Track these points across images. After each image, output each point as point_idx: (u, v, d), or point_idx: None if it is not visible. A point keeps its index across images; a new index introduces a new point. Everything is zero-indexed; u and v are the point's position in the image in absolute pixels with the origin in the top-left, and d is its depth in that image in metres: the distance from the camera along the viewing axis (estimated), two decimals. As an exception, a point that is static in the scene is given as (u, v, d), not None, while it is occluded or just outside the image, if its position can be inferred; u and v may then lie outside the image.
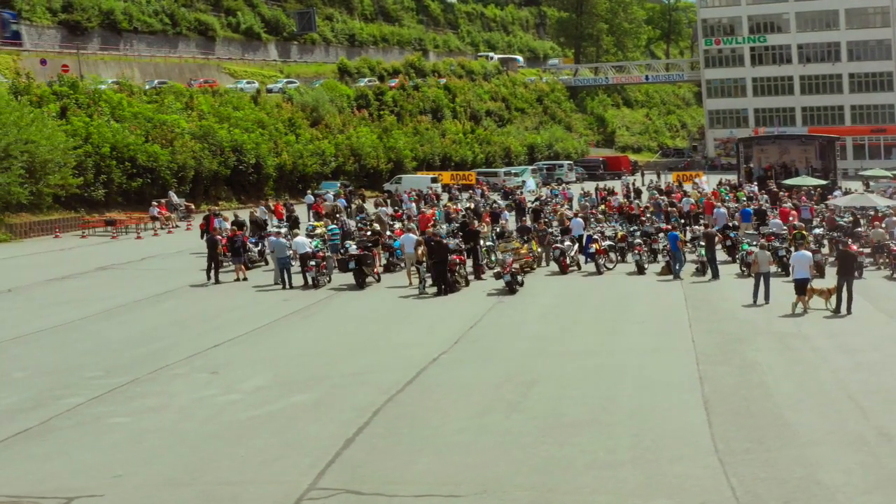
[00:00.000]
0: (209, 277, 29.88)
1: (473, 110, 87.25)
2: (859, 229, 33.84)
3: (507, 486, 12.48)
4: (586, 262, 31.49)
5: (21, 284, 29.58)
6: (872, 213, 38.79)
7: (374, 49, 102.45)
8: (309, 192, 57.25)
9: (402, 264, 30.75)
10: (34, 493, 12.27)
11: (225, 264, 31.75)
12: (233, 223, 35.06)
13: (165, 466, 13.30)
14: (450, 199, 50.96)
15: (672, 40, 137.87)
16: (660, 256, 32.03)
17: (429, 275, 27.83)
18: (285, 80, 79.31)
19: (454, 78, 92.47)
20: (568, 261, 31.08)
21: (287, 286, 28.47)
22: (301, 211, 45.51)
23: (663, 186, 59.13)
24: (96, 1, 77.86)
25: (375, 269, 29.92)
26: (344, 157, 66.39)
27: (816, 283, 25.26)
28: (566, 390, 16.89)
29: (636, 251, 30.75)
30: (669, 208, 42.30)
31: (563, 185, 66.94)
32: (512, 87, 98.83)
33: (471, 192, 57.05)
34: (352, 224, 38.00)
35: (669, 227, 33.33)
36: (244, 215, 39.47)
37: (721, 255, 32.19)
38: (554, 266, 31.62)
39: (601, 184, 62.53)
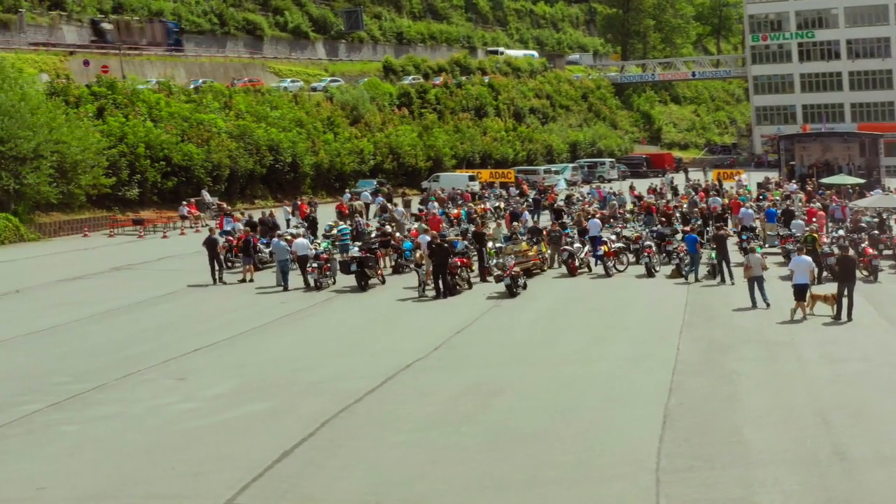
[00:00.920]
0: (213, 279, 29.93)
1: (517, 108, 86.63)
2: (874, 232, 32.60)
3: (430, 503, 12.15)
4: (596, 264, 30.89)
5: (31, 285, 29.91)
6: (897, 214, 37.61)
7: (421, 47, 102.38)
8: (347, 190, 57.45)
9: (411, 266, 30.49)
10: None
11: (232, 265, 31.88)
12: (245, 224, 35.14)
13: (95, 478, 13.15)
14: (474, 199, 50.21)
15: (723, 36, 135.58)
16: (672, 258, 31.18)
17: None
18: (329, 79, 79.59)
19: (499, 75, 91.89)
20: (577, 263, 30.51)
21: (286, 288, 28.34)
22: (329, 210, 45.48)
23: (702, 184, 57.85)
24: (146, 1, 79.07)
25: (380, 271, 29.65)
26: (382, 155, 66.44)
27: (820, 289, 24.43)
28: (527, 402, 16.45)
29: (645, 253, 30.09)
30: (694, 209, 41.40)
31: (599, 184, 65.98)
32: (556, 85, 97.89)
33: (500, 190, 56.49)
34: (374, 224, 37.90)
35: (688, 228, 32.59)
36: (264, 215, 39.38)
37: (738, 257, 31.30)
38: (565, 268, 31.08)
39: (655, 182, 61.13)
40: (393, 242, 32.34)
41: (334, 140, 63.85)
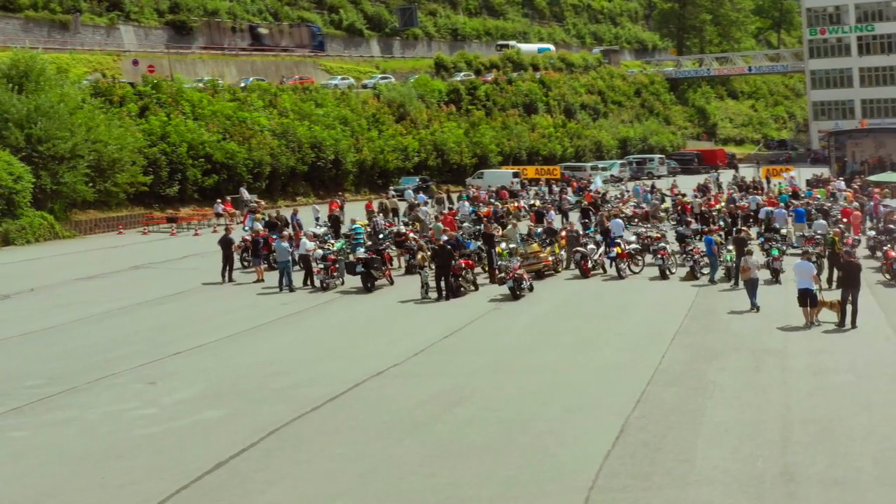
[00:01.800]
0: (224, 278, 29.99)
1: (567, 104, 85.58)
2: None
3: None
4: (610, 265, 30.22)
5: (47, 283, 30.24)
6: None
7: (476, 43, 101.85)
8: (391, 187, 57.39)
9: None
10: None
11: (249, 264, 31.93)
12: (265, 224, 35.16)
13: (19, 489, 13.05)
14: (501, 199, 49.27)
15: (784, 29, 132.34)
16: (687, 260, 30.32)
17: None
18: (380, 76, 79.61)
19: (551, 71, 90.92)
20: (590, 264, 29.88)
21: (283, 289, 28.20)
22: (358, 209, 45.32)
23: (748, 181, 56.40)
24: (202, 1, 79.99)
25: (388, 272, 29.37)
26: (427, 152, 66.20)
27: (829, 295, 23.51)
28: (486, 412, 16.01)
29: (659, 255, 29.35)
30: (732, 206, 40.36)
31: (645, 180, 64.87)
32: (609, 80, 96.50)
33: (535, 189, 55.80)
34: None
35: (707, 229, 31.71)
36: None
37: (760, 259, 30.29)
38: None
39: (706, 177, 59.86)
40: (408, 243, 31.99)
41: (378, 137, 63.81)
